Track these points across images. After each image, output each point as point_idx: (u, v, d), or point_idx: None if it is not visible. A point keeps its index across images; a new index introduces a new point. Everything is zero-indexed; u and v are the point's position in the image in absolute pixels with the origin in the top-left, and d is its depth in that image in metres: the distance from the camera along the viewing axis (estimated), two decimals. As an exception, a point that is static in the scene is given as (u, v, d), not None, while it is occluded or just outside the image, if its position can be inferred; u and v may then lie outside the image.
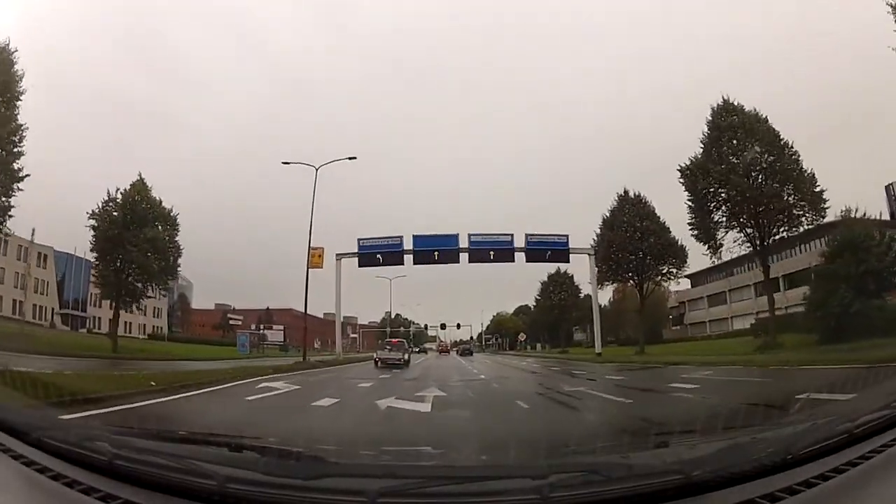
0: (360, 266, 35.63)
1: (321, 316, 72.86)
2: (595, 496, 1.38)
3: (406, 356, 27.18)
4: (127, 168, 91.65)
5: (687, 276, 39.03)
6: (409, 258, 35.40)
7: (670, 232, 35.06)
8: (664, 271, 36.10)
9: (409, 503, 1.41)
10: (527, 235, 35.40)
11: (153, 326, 59.83)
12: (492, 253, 34.87)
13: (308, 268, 28.34)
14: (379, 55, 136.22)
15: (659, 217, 35.91)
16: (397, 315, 73.17)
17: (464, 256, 35.26)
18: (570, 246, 36.25)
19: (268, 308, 66.15)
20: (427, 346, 72.17)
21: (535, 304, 63.23)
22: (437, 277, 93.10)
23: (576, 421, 7.41)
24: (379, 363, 24.69)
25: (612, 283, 39.55)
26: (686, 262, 35.73)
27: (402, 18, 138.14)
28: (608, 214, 37.05)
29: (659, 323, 50.30)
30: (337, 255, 35.31)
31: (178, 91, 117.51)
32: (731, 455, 1.66)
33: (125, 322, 53.40)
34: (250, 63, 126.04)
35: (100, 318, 49.78)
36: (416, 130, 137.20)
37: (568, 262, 38.01)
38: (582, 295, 55.74)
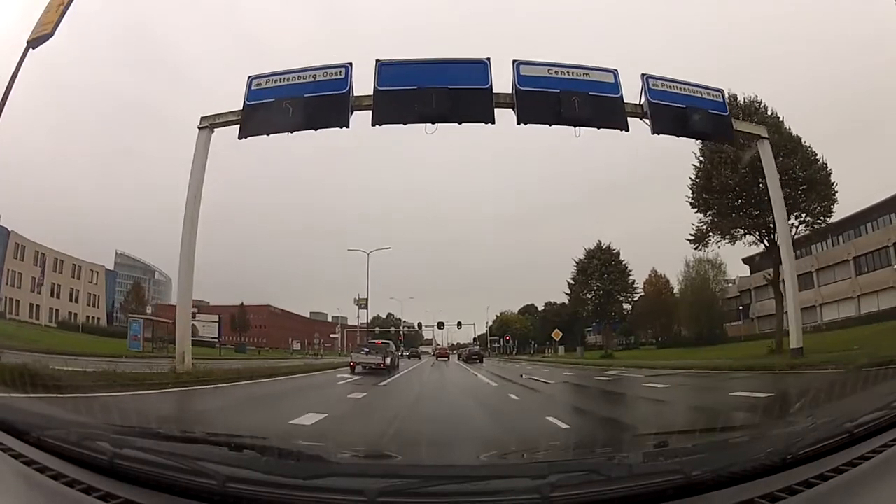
0: (243, 135, 15.50)
1: (307, 315, 70.36)
2: (595, 496, 1.38)
3: (389, 360, 23.94)
4: (127, 168, 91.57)
5: (744, 261, 29.61)
6: (364, 116, 15.25)
7: (816, 157, 23.23)
8: (816, 211, 23.43)
9: (409, 503, 1.42)
10: (646, 80, 16.09)
11: (87, 316, 51.84)
12: (577, 102, 15.11)
13: None
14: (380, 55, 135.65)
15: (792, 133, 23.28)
16: (389, 315, 70.36)
17: (504, 114, 15.37)
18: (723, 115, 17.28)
19: (241, 304, 59.28)
20: (422, 349, 63.89)
21: (568, 289, 47.58)
22: (436, 271, 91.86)
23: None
24: (356, 368, 22.30)
25: (721, 240, 25.85)
26: (836, 200, 23.45)
27: (404, 18, 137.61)
28: None
29: (716, 317, 39.83)
30: (202, 118, 16.07)
31: (178, 91, 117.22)
32: (731, 455, 1.66)
33: (44, 307, 45.76)
34: (250, 63, 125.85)
35: (17, 301, 42.71)
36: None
37: (730, 140, 18.61)
38: (631, 279, 44.09)
